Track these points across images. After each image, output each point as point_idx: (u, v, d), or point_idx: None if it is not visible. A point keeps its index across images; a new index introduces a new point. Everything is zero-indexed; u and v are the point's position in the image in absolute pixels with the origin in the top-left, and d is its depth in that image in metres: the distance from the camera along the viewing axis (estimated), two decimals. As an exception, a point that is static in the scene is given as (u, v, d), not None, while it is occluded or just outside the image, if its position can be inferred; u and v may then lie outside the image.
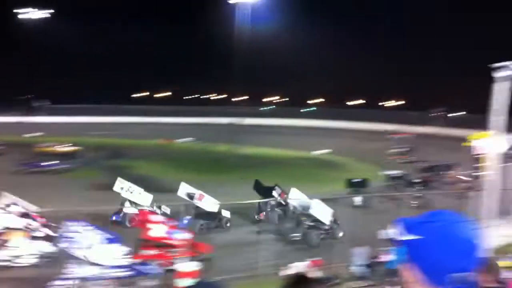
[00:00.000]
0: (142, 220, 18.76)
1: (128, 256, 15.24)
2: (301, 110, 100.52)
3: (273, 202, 26.38)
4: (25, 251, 18.22)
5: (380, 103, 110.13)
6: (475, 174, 19.43)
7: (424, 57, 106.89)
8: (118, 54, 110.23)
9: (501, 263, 11.17)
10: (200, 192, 25.12)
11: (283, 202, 26.76)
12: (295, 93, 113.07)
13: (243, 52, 52.33)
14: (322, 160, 51.86)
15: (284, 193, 27.20)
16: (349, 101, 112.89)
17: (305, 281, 3.86)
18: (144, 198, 26.81)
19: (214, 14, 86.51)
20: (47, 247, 18.44)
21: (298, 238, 22.46)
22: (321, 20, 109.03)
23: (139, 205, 25.59)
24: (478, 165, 19.34)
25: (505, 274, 8.79)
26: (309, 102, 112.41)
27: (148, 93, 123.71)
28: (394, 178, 37.85)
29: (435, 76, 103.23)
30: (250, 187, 28.91)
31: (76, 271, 14.25)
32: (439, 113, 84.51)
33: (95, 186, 35.60)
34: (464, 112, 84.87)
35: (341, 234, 22.61)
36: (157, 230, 17.17)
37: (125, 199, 26.55)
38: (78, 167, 43.20)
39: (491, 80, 18.31)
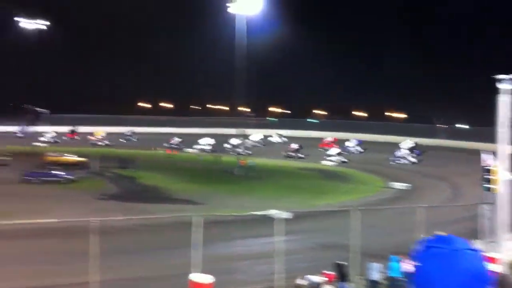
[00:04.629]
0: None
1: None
2: (308, 120, 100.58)
3: None
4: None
5: (386, 115, 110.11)
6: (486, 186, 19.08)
7: (424, 70, 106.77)
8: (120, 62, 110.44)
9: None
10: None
11: None
12: (298, 104, 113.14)
13: (246, 62, 52.42)
14: (330, 172, 51.67)
15: None
16: (353, 112, 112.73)
17: None
18: None
19: (215, 24, 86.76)
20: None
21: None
22: (321, 31, 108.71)
23: None
24: (488, 176, 19.03)
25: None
26: (314, 112, 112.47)
27: (151, 104, 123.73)
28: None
29: (436, 88, 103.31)
30: (261, 198, 28.72)
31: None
32: (442, 126, 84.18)
33: (101, 196, 35.59)
34: (467, 126, 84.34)
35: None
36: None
37: None
38: (84, 177, 43.09)
39: (495, 92, 18.14)
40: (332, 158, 58.26)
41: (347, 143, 66.60)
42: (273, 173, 50.04)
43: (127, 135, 79.15)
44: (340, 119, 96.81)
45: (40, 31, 71.74)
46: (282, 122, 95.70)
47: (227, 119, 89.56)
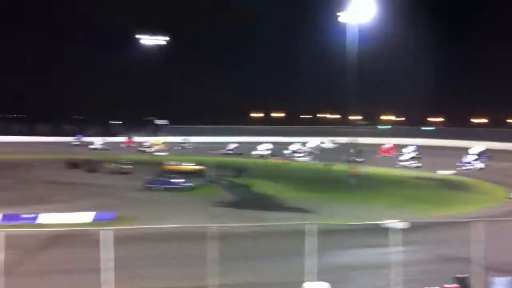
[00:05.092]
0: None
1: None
2: (422, 128, 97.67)
3: None
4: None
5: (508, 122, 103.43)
6: None
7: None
8: (238, 76, 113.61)
9: None
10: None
11: None
12: (411, 112, 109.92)
13: (357, 71, 51.61)
14: (446, 181, 49.62)
15: None
16: (472, 119, 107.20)
17: None
18: None
19: (326, 33, 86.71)
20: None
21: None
22: (435, 37, 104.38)
23: None
24: None
25: None
26: (429, 120, 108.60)
27: (263, 114, 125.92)
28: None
29: None
30: (375, 208, 28.13)
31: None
32: None
33: (218, 203, 36.84)
34: None
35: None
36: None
37: None
38: (201, 185, 44.86)
39: None
40: (405, 163, 60.40)
41: (404, 150, 68.33)
42: (385, 182, 49.00)
43: (182, 143, 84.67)
44: (457, 127, 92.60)
45: (159, 46, 75.75)
46: (395, 130, 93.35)
47: (338, 128, 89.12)
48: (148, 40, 75.53)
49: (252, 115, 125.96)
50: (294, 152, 72.35)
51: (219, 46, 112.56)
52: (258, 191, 43.30)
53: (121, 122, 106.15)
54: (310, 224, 15.69)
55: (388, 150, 72.51)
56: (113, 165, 52.50)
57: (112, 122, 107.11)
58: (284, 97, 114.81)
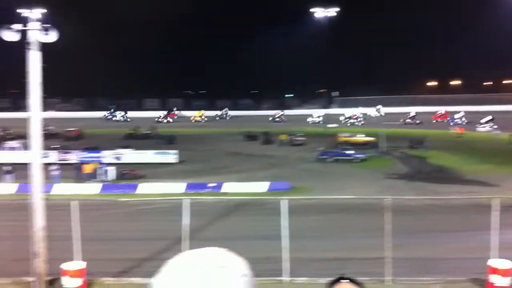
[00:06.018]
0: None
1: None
2: None
3: None
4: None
5: None
6: None
7: None
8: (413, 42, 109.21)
9: None
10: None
11: None
12: None
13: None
14: None
15: None
16: None
17: None
18: None
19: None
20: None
21: None
22: None
23: None
24: None
25: None
26: None
27: (437, 82, 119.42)
28: None
29: None
30: None
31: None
32: None
33: (390, 175, 36.31)
34: None
35: None
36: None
37: None
38: (373, 157, 44.47)
39: None
40: (484, 125, 62.98)
41: (456, 115, 73.51)
42: None
43: (222, 114, 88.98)
44: None
45: (330, 18, 75.34)
46: None
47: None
48: (320, 12, 75.38)
49: (428, 84, 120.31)
50: (346, 118, 76.84)
51: (389, 16, 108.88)
52: (435, 163, 41.59)
53: (294, 95, 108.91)
54: (494, 198, 14.80)
55: (442, 115, 76.99)
56: (287, 137, 54.19)
57: (287, 95, 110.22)
58: (462, 65, 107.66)
